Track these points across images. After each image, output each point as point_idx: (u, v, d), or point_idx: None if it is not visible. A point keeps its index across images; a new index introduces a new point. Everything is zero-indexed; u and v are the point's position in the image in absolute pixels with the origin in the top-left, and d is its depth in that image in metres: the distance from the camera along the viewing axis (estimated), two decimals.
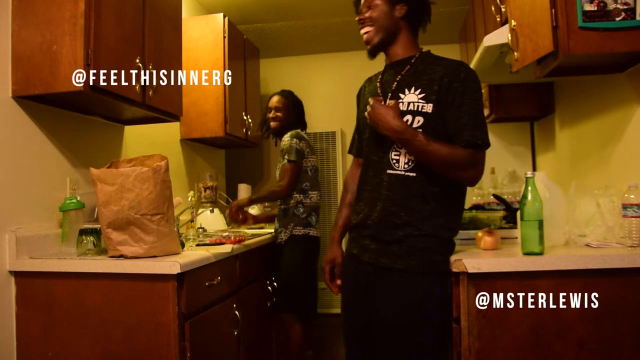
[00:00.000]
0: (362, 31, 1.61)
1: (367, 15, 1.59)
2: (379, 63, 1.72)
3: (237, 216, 2.69)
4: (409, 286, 1.51)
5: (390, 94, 1.58)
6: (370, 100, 1.52)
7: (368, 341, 1.59)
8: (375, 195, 1.58)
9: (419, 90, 1.53)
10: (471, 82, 1.51)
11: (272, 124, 2.89)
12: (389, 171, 1.55)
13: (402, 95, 1.55)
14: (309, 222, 2.72)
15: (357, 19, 1.63)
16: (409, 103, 1.52)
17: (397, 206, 1.53)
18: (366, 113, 1.54)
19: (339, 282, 1.75)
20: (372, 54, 1.64)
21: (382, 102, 1.53)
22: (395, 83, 1.58)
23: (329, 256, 1.79)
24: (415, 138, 1.46)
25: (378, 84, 1.66)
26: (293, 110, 2.90)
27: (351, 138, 1.84)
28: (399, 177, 1.53)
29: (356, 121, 1.80)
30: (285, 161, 2.68)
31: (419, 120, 1.50)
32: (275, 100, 2.90)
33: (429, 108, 1.50)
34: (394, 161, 1.55)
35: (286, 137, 2.75)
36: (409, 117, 1.51)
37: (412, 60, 1.59)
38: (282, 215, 2.76)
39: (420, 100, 1.51)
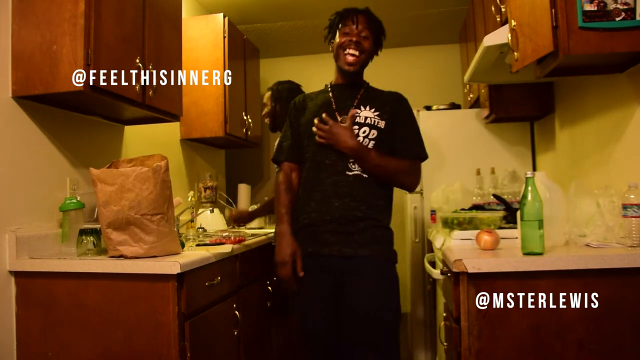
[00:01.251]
0: (353, 52, 1.80)
1: (364, 43, 1.81)
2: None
3: (239, 225, 3.09)
4: (375, 272, 1.71)
5: (353, 107, 1.83)
6: (329, 121, 1.76)
7: (340, 331, 1.73)
8: (330, 194, 1.75)
9: (374, 109, 1.83)
10: (410, 108, 1.91)
11: (265, 119, 2.90)
12: (347, 172, 1.76)
13: (358, 111, 1.83)
14: None
15: (352, 39, 1.79)
16: (366, 117, 1.81)
17: (357, 202, 1.73)
18: (314, 129, 1.77)
19: (301, 274, 1.75)
20: (350, 76, 1.85)
21: (336, 120, 1.78)
22: (357, 100, 1.85)
23: (287, 250, 1.75)
24: (369, 155, 1.75)
25: (332, 100, 1.87)
26: (277, 103, 2.76)
27: (278, 145, 1.94)
28: (357, 177, 1.76)
29: (291, 129, 1.92)
30: None
31: (374, 133, 1.80)
32: (263, 96, 2.90)
33: (382, 124, 1.81)
34: (351, 163, 1.77)
35: None
36: (366, 129, 1.80)
37: (365, 86, 1.91)
38: None
39: (375, 117, 1.81)
